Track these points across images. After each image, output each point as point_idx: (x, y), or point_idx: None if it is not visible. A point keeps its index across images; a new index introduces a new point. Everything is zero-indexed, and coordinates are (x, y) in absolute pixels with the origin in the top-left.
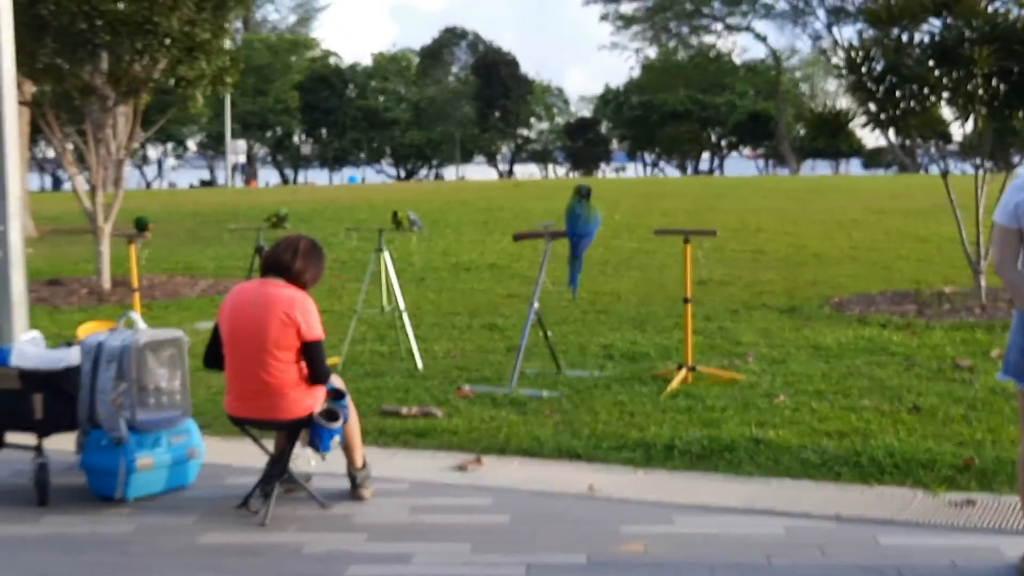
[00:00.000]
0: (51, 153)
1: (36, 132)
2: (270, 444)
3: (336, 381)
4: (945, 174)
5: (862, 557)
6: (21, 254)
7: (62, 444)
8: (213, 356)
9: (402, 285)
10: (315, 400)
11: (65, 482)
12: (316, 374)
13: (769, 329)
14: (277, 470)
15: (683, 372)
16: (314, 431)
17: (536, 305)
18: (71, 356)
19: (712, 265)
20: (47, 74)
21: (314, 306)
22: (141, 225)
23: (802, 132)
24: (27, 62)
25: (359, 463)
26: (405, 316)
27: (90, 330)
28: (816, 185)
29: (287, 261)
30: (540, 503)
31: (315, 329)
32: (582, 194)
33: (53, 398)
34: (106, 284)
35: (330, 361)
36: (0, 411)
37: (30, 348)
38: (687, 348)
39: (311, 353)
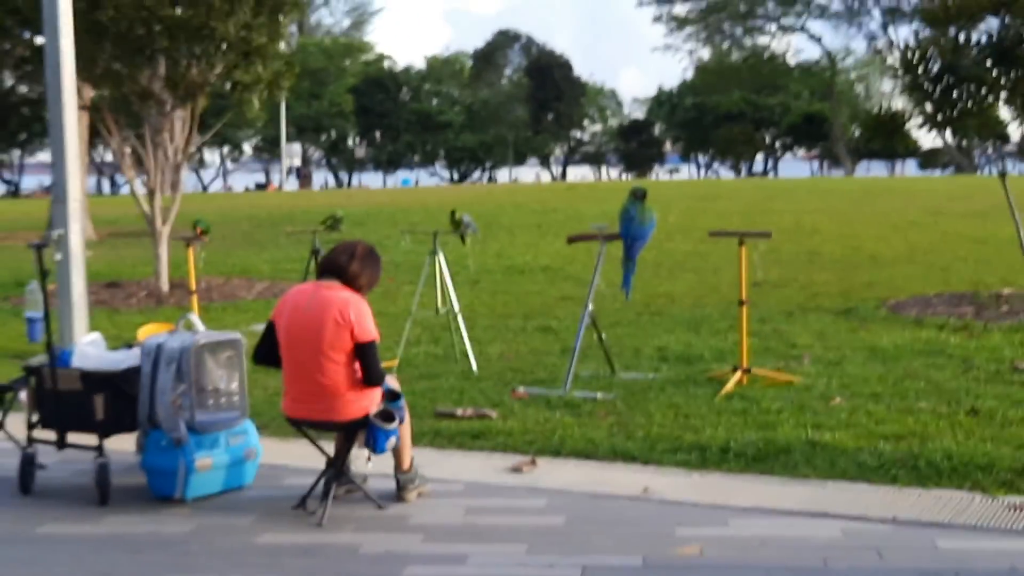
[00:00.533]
0: (110, 157)
1: (95, 136)
2: (327, 445)
3: (392, 382)
4: (1003, 175)
5: (920, 561)
6: (81, 257)
7: (123, 445)
8: (263, 353)
9: (456, 287)
10: (371, 401)
11: (125, 482)
12: (370, 375)
13: (825, 331)
14: (334, 471)
15: (738, 374)
16: (370, 432)
17: (590, 307)
18: (131, 358)
19: (767, 267)
20: (106, 79)
21: (368, 308)
22: (203, 227)
23: (857, 133)
24: (87, 67)
25: (406, 466)
26: (459, 318)
27: (150, 332)
28: (872, 186)
29: (343, 264)
30: (595, 505)
31: (368, 330)
32: (637, 196)
33: (114, 399)
34: (164, 286)
35: (387, 364)
36: (62, 412)
37: (91, 350)
38: (742, 350)
39: (365, 354)
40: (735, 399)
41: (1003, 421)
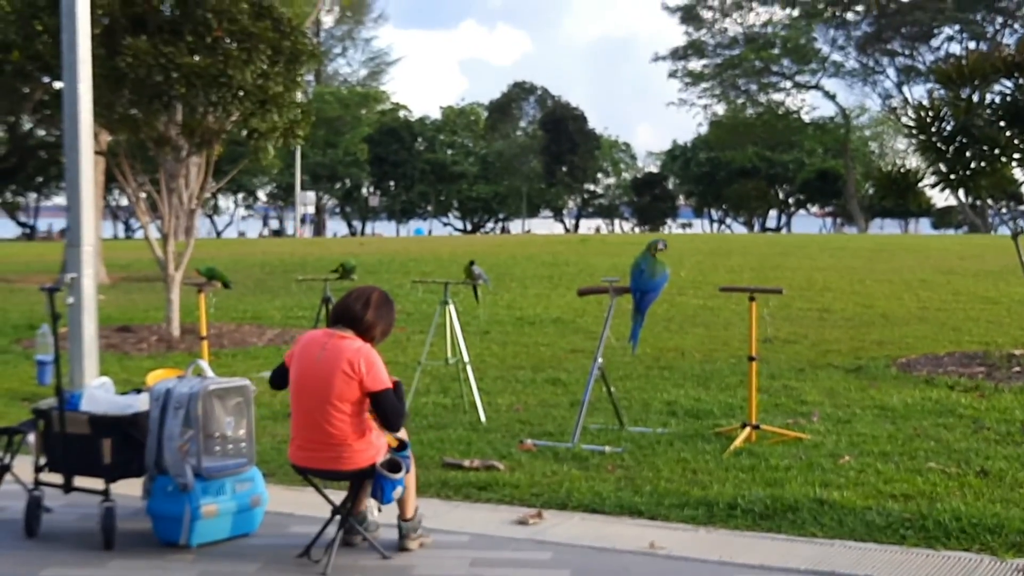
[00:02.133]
0: (124, 201)
1: (110, 181)
2: (333, 494)
3: (400, 432)
4: (1016, 235)
5: None
6: (93, 301)
7: (129, 489)
8: (278, 381)
9: (467, 338)
10: (378, 451)
11: (131, 527)
12: (388, 422)
13: (835, 389)
14: (340, 519)
15: (747, 430)
16: (376, 482)
17: (600, 360)
18: (140, 402)
19: (778, 323)
20: (123, 124)
21: (378, 357)
22: (218, 276)
23: (871, 191)
24: (104, 113)
25: (409, 514)
26: (469, 369)
27: (159, 377)
28: (884, 244)
29: (358, 312)
30: (601, 559)
31: (380, 379)
32: (654, 249)
33: (121, 443)
34: (175, 332)
35: None
36: (70, 455)
37: (100, 394)
38: (751, 406)
39: (380, 403)
40: (743, 455)
41: (1013, 483)
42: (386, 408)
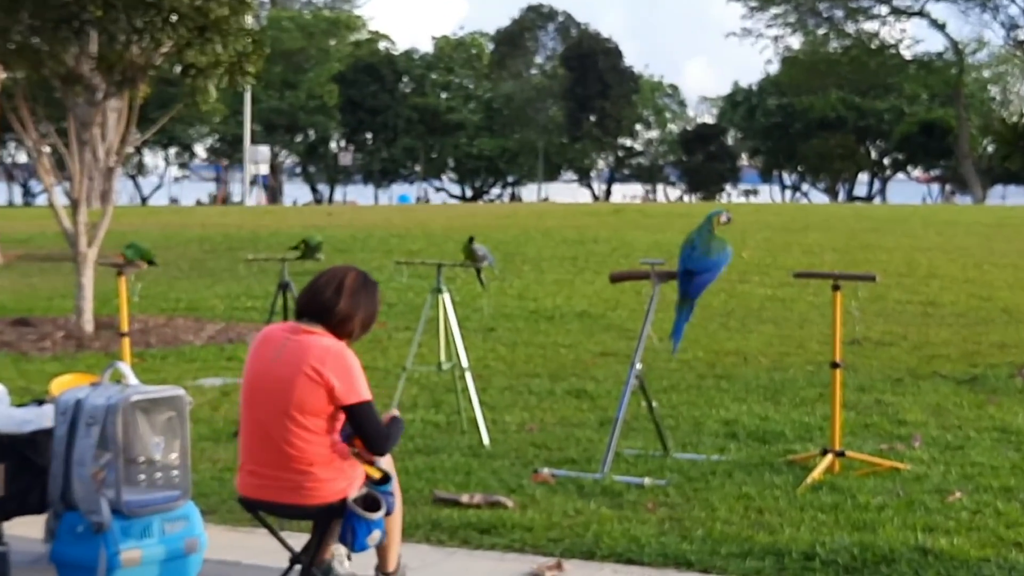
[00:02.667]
0: (22, 157)
1: (5, 130)
2: (292, 536)
3: (382, 460)
4: None
5: None
6: None
7: (27, 530)
8: None
9: (465, 336)
10: (350, 483)
11: None
12: (371, 443)
13: (942, 405)
14: (301, 570)
15: (828, 458)
16: (347, 522)
17: (638, 366)
18: (42, 417)
19: (869, 320)
20: (21, 57)
21: (355, 360)
22: (141, 254)
23: (990, 149)
24: None
25: (392, 566)
26: (468, 377)
27: (67, 384)
28: (1007, 218)
29: (327, 300)
30: None
31: (357, 389)
32: (718, 221)
33: (17, 470)
34: (88, 326)
35: None
36: None
37: None
38: (834, 427)
39: (358, 420)
40: (823, 490)
41: None
42: (367, 426)
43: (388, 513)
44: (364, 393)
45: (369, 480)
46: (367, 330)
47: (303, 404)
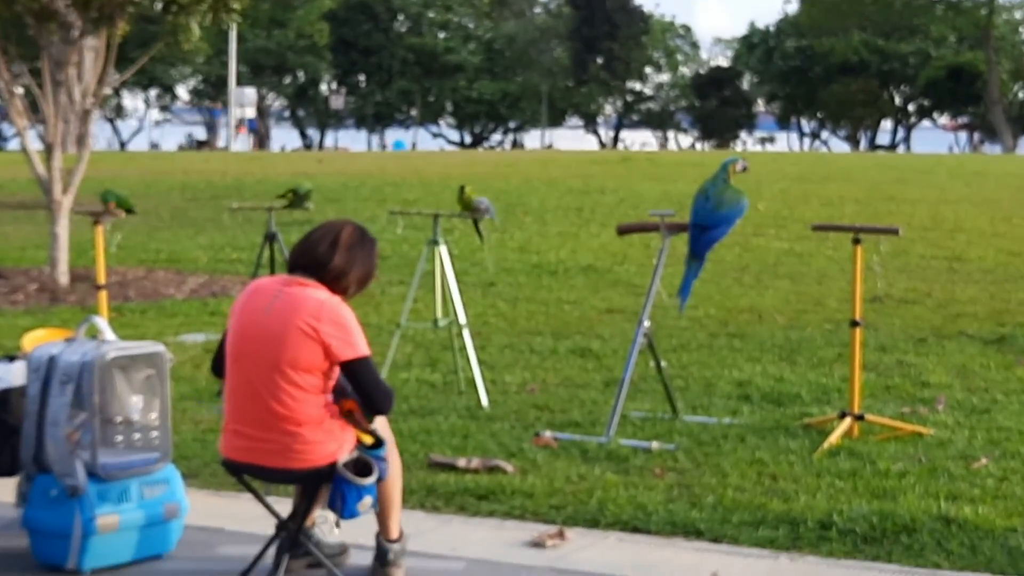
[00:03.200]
0: None
1: None
2: (279, 501)
3: (377, 422)
4: None
5: None
6: None
7: None
8: (221, 363)
9: (464, 292)
10: (341, 446)
11: (0, 544)
12: (372, 401)
13: (968, 366)
14: (288, 537)
15: (847, 422)
16: (336, 488)
17: (647, 324)
18: (13, 374)
19: (891, 276)
20: None
21: (352, 314)
22: (119, 201)
23: (1021, 95)
24: None
25: (394, 533)
26: (467, 334)
27: (40, 340)
28: None
29: (322, 255)
30: None
31: (356, 345)
32: (734, 169)
33: None
34: (62, 278)
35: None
36: None
37: None
38: (853, 389)
39: (357, 377)
40: (841, 456)
41: None
42: (367, 383)
43: (380, 479)
44: (363, 348)
45: (360, 444)
46: (363, 288)
47: (296, 360)
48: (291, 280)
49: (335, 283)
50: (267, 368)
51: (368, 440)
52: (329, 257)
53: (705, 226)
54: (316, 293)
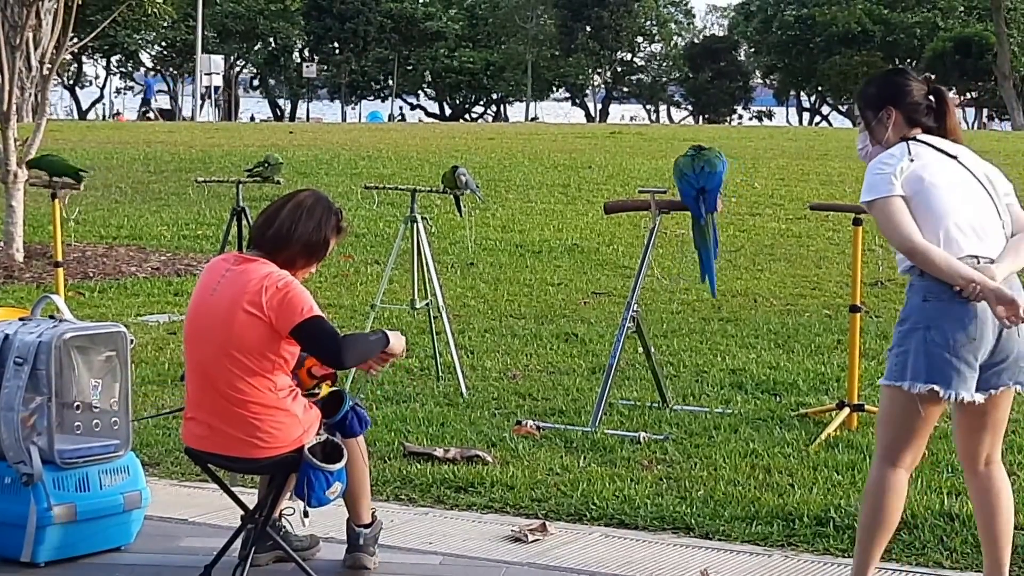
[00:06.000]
0: None
1: None
2: (245, 491)
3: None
4: None
5: None
6: None
7: None
8: None
9: (442, 272)
10: (307, 429)
11: None
12: (325, 355)
13: None
14: (254, 529)
15: (845, 412)
16: (303, 474)
17: (635, 308)
18: None
19: (893, 259)
20: None
21: (296, 283)
22: (59, 168)
23: None
24: None
25: (366, 517)
26: (445, 317)
27: None
28: None
29: (264, 222)
30: None
31: (298, 308)
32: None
33: None
34: (17, 254)
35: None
36: None
37: None
38: (852, 378)
39: (307, 336)
40: (839, 448)
41: None
42: (318, 338)
43: (363, 429)
44: (308, 310)
45: (325, 417)
46: (312, 258)
47: (243, 342)
48: (240, 258)
49: (277, 252)
50: (216, 353)
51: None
52: (272, 222)
53: (705, 188)
54: (261, 268)
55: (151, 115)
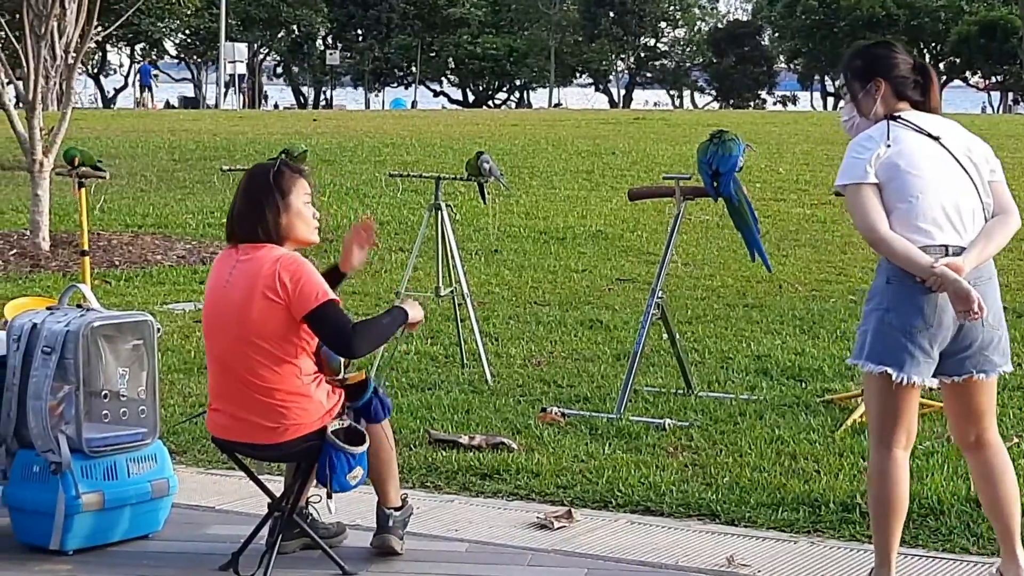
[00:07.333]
0: None
1: None
2: (273, 480)
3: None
4: None
5: None
6: None
7: None
8: None
9: (467, 259)
10: (329, 413)
11: None
12: (334, 343)
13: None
14: (281, 517)
15: None
16: (325, 457)
17: (660, 295)
18: None
19: None
20: None
21: (308, 265)
22: (88, 161)
23: None
24: None
25: (395, 500)
26: (470, 304)
27: (20, 308)
28: None
29: (238, 219)
30: None
31: (312, 294)
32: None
33: None
34: (44, 243)
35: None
36: None
37: None
38: None
39: (320, 323)
40: (865, 435)
41: None
42: (330, 326)
43: (377, 420)
44: (321, 295)
45: (347, 398)
46: (287, 215)
47: (264, 328)
48: (246, 247)
49: (255, 236)
50: (237, 343)
51: (358, 377)
52: (231, 218)
53: (719, 170)
54: (270, 252)
55: (147, 103)
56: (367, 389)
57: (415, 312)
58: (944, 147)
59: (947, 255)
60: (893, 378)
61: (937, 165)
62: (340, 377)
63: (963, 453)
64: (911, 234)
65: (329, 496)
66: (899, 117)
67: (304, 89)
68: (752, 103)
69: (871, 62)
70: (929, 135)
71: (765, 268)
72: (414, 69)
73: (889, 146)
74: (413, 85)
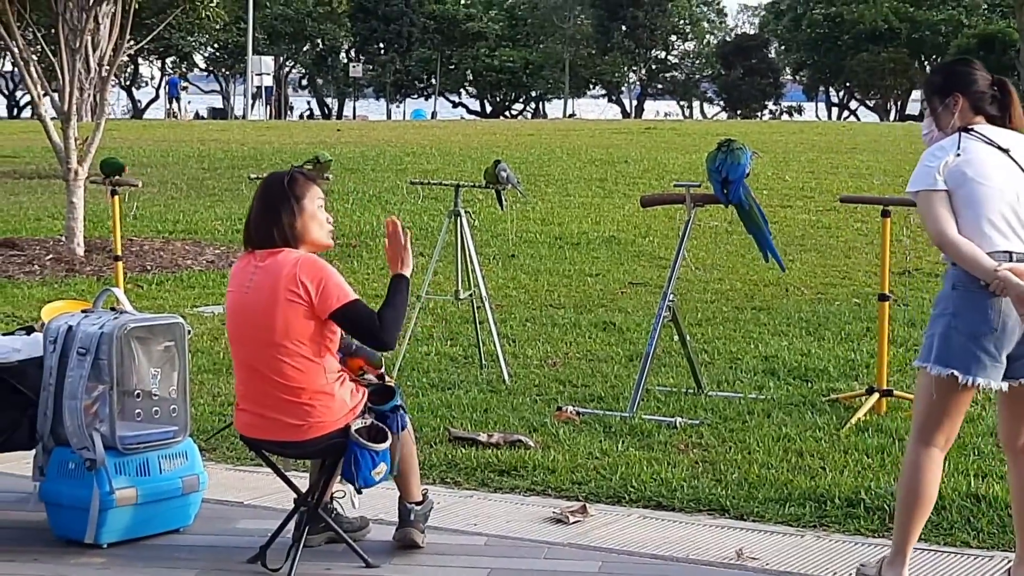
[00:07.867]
0: (8, 67)
1: None
2: (298, 475)
3: (386, 352)
4: None
5: None
6: None
7: (15, 466)
8: None
9: (485, 264)
10: (353, 409)
11: (17, 518)
12: (369, 339)
13: None
14: (307, 512)
15: (875, 397)
16: (350, 455)
17: (672, 298)
18: (30, 346)
19: (921, 249)
20: None
21: (327, 265)
22: (115, 167)
23: None
24: None
25: (417, 494)
26: (487, 306)
27: (57, 311)
28: None
29: (255, 226)
30: (668, 573)
31: (337, 294)
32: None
33: (3, 403)
34: (79, 249)
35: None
36: None
37: None
38: (881, 364)
39: (349, 320)
40: (869, 432)
41: None
42: (359, 322)
43: (403, 427)
44: (345, 295)
45: (372, 402)
46: (303, 217)
47: (289, 329)
48: (264, 254)
49: (273, 242)
50: (262, 345)
51: (377, 370)
52: (248, 226)
53: (728, 178)
54: (288, 256)
55: (176, 114)
56: (391, 397)
57: (408, 266)
58: (1012, 159)
59: (1011, 261)
60: (959, 380)
61: (1003, 174)
62: (381, 371)
63: (1006, 456)
64: (976, 239)
65: (358, 492)
66: (972, 129)
67: (328, 100)
68: (759, 113)
69: (950, 78)
70: (999, 147)
71: (779, 268)
72: (434, 81)
73: (959, 155)
74: (433, 96)
